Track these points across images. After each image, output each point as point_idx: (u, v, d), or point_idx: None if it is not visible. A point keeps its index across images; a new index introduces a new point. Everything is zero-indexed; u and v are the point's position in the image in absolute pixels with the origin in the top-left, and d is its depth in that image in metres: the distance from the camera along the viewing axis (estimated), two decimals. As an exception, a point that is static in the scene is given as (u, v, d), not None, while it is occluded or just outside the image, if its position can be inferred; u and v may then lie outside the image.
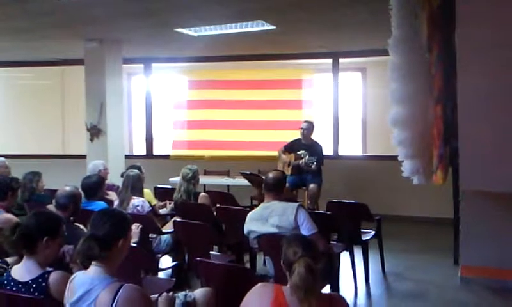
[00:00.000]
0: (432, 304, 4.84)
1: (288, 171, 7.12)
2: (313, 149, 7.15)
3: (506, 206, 5.02)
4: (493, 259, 5.10)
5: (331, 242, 4.91)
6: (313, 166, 6.82)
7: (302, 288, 2.27)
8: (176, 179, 6.18)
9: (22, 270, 2.76)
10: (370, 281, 5.33)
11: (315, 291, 2.28)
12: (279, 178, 4.30)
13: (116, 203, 5.26)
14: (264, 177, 4.59)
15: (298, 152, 7.14)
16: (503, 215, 5.08)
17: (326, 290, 4.10)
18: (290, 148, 7.41)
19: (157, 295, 2.92)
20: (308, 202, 7.01)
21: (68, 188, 4.14)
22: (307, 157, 6.87)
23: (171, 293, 2.90)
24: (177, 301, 2.89)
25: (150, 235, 4.87)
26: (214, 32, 7.02)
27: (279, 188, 4.25)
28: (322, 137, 8.14)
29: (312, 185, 7.04)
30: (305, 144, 7.24)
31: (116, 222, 2.59)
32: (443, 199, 6.21)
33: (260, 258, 4.85)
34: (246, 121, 9.42)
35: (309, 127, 7.33)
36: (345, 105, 9.36)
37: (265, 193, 4.30)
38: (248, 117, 9.40)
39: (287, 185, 6.82)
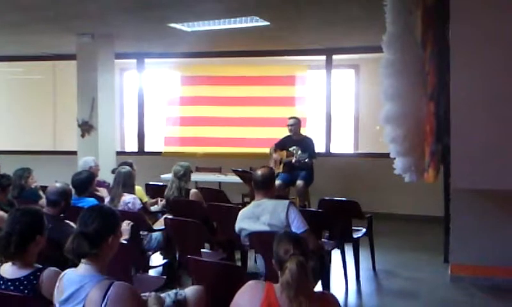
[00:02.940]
0: (423, 301, 4.86)
1: (280, 169, 7.11)
2: (305, 144, 7.13)
3: (497, 204, 5.05)
4: (483, 257, 5.12)
5: (323, 240, 4.91)
6: (306, 160, 6.80)
7: (293, 286, 2.25)
8: (168, 176, 6.16)
9: (12, 268, 2.73)
10: (360, 279, 5.34)
11: (306, 289, 2.27)
12: (267, 175, 4.23)
13: (107, 200, 5.23)
14: (254, 174, 4.56)
15: (290, 149, 7.12)
16: (493, 213, 5.10)
17: (317, 287, 4.10)
18: (282, 145, 7.40)
19: (147, 294, 2.90)
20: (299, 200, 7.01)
21: (58, 184, 4.11)
22: (299, 152, 6.86)
23: (156, 293, 2.88)
24: (168, 299, 2.87)
25: (140, 233, 4.85)
26: (207, 27, 6.99)
27: (268, 186, 4.19)
28: (315, 134, 8.14)
29: (298, 182, 7.01)
30: (296, 139, 7.23)
31: (104, 219, 2.57)
32: (434, 197, 6.23)
33: (251, 255, 4.84)
34: (238, 118, 9.40)
35: (295, 123, 7.32)
36: (337, 102, 9.36)
37: (255, 191, 4.27)
38: (241, 114, 9.39)
39: (280, 182, 6.85)
